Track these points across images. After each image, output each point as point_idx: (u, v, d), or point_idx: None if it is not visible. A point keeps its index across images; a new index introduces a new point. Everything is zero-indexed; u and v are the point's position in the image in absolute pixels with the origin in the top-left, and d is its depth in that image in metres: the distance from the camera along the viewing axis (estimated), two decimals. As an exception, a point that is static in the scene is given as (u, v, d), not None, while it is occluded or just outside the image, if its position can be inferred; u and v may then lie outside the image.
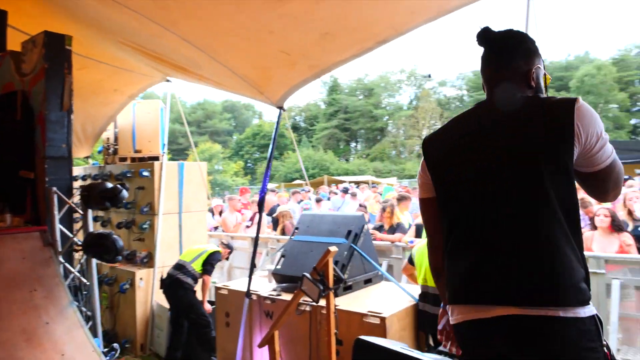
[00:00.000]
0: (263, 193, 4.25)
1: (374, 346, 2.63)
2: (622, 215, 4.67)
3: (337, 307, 3.56)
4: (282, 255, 4.29)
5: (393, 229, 5.50)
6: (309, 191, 11.50)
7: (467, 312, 1.50)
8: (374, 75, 55.81)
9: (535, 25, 2.95)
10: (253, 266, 4.17)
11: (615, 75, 43.02)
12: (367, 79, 56.23)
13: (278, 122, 4.39)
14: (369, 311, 3.40)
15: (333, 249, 2.97)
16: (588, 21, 65.42)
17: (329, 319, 3.01)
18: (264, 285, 4.37)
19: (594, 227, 4.39)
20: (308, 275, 3.00)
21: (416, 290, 3.80)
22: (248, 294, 4.10)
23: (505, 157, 1.49)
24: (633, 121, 45.21)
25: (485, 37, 1.70)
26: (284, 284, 4.09)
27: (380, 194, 11.28)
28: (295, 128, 56.95)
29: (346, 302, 3.64)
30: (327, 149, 48.77)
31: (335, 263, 3.85)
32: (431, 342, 3.59)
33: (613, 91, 42.44)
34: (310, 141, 51.39)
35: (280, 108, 4.38)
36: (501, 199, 1.48)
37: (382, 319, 3.28)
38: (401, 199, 6.12)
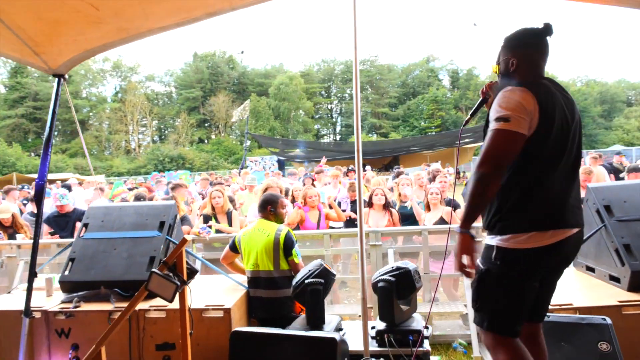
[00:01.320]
0: (42, 182, 3.32)
1: (254, 335, 2.47)
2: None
3: (166, 308, 3.14)
4: (71, 259, 3.47)
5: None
6: (22, 188, 9.48)
7: (563, 233, 2.00)
8: (71, 61, 49.48)
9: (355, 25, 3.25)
10: (33, 276, 3.22)
11: (303, 86, 50.43)
12: (62, 64, 49.42)
13: (57, 94, 3.51)
14: (207, 305, 3.12)
15: (189, 237, 2.61)
16: (283, 35, 74.17)
17: (184, 319, 2.62)
18: (42, 299, 3.45)
19: (370, 205, 5.17)
20: (157, 270, 2.54)
21: (236, 279, 3.68)
22: (27, 312, 3.16)
23: (577, 130, 2.08)
24: (317, 126, 54.03)
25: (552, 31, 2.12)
26: (81, 293, 3.32)
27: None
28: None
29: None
30: (11, 142, 40.78)
31: (152, 259, 3.38)
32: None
33: (302, 99, 49.67)
34: (-12, 132, 42.04)
35: (60, 76, 3.52)
36: (577, 160, 2.09)
37: (227, 311, 3.06)
38: (176, 187, 5.74)
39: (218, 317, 3.06)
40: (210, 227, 4.94)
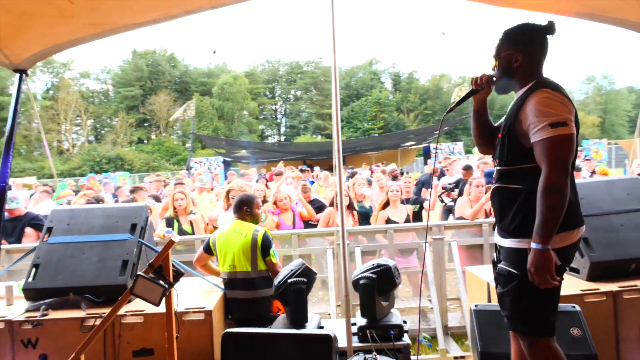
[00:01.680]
0: (3, 184, 3.13)
1: (246, 336, 2.47)
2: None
3: (144, 313, 3.05)
4: (35, 265, 3.28)
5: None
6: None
7: (582, 230, 2.12)
8: (-5, 55, 46.10)
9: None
10: (-5, 283, 3.02)
11: (248, 86, 49.91)
12: (-14, 57, 45.95)
13: (19, 90, 3.33)
14: (187, 308, 3.06)
15: (176, 239, 2.56)
16: (227, 34, 73.06)
17: (170, 322, 2.56)
18: (3, 309, 3.25)
19: (333, 205, 5.26)
20: (143, 274, 2.47)
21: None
22: (-11, 322, 2.96)
23: None
24: (261, 127, 53.66)
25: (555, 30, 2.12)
26: (48, 300, 3.15)
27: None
28: None
29: (141, 305, 3.10)
30: None
31: (125, 263, 3.27)
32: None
33: (247, 100, 49.12)
34: None
35: (22, 72, 3.34)
36: None
37: (208, 313, 3.02)
38: (136, 190, 5.55)
39: (199, 319, 3.01)
40: (172, 227, 4.82)
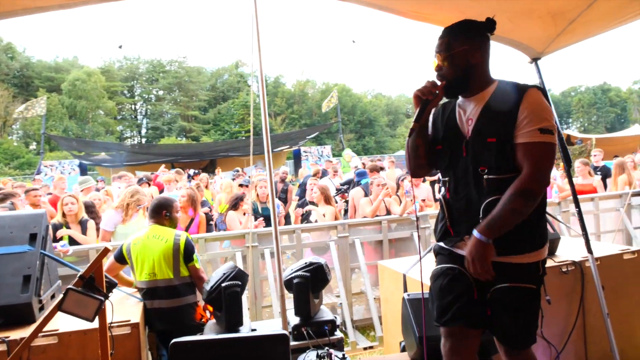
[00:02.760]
0: None
1: (197, 343, 2.35)
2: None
3: (58, 332, 2.70)
4: None
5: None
6: None
7: None
8: None
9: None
10: None
11: (104, 84, 46.03)
12: None
13: None
14: (111, 322, 2.77)
15: (110, 246, 2.33)
16: (78, 28, 66.57)
17: (104, 338, 2.31)
18: None
19: (235, 208, 5.19)
20: (74, 287, 2.21)
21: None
22: None
23: None
24: (120, 127, 49.87)
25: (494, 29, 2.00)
26: None
27: None
28: None
29: (53, 324, 2.74)
30: None
31: (27, 279, 2.87)
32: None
33: (102, 98, 45.26)
34: None
35: None
36: None
37: (135, 326, 2.78)
38: (8, 196, 4.80)
39: (125, 334, 2.76)
40: (61, 238, 4.32)
